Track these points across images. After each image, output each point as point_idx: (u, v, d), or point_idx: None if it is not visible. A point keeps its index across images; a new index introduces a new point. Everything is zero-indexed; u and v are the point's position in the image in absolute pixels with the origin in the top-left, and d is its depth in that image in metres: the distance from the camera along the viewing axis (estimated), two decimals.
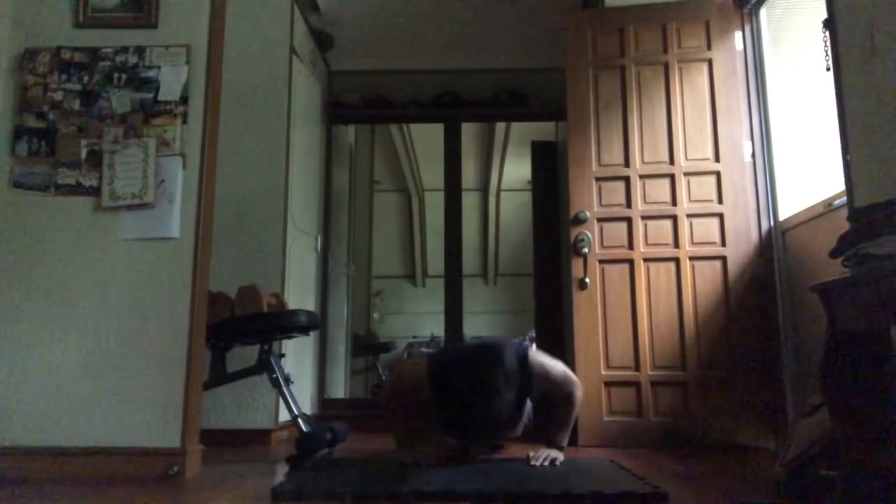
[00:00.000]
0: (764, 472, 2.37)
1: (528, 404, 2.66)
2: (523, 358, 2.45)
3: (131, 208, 2.40)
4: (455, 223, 4.58)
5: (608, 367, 3.17)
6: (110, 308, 2.35)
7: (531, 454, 2.48)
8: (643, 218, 3.26)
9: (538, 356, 2.55)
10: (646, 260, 3.22)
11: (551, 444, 2.55)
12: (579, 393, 2.58)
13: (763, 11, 3.31)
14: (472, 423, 2.27)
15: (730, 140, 3.26)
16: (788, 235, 3.05)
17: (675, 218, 3.24)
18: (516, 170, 6.94)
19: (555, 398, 2.58)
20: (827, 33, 2.37)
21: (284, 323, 2.75)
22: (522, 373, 2.40)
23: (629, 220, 3.27)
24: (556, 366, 2.58)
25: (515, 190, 7.51)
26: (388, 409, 2.69)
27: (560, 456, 2.47)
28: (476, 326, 6.85)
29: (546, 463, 2.41)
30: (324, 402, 4.27)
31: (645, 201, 3.28)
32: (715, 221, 3.21)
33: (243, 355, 2.85)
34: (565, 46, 3.49)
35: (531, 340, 3.40)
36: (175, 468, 2.20)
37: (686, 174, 3.27)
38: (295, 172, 3.63)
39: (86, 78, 2.49)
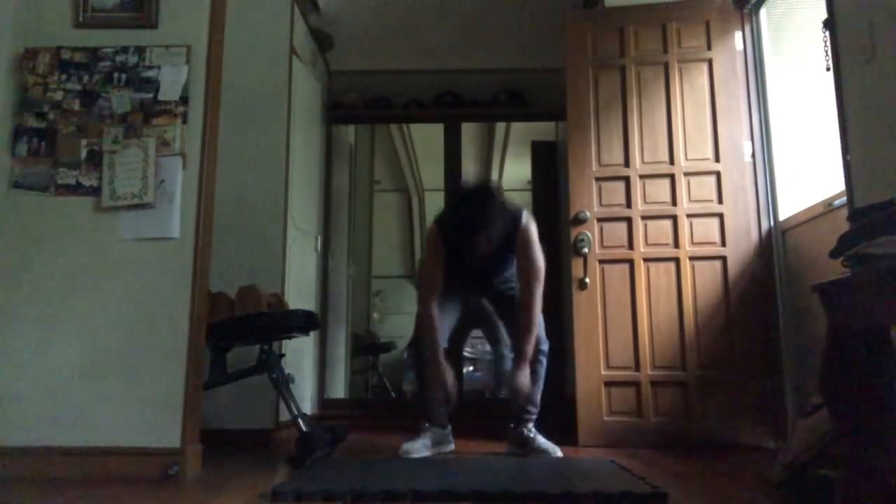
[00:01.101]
0: (764, 472, 2.37)
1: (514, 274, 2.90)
2: (517, 213, 2.73)
3: (131, 208, 2.40)
4: None
5: (608, 367, 3.17)
6: (110, 308, 2.35)
7: (506, 389, 2.78)
8: (643, 218, 3.26)
9: (531, 223, 2.77)
10: (646, 260, 3.23)
11: (516, 354, 2.74)
12: (539, 292, 2.74)
13: (763, 11, 3.31)
14: (471, 253, 2.61)
15: (730, 140, 3.26)
16: (788, 235, 3.05)
17: (675, 218, 3.24)
18: (516, 170, 6.93)
19: (520, 282, 2.80)
20: (827, 33, 2.37)
21: (284, 323, 2.75)
22: (513, 224, 2.70)
23: (629, 220, 3.27)
24: (537, 245, 2.76)
25: (515, 190, 7.50)
26: (423, 317, 2.81)
27: (524, 380, 2.68)
28: None
29: (525, 387, 2.67)
30: (324, 402, 4.27)
31: (645, 201, 3.28)
32: (715, 221, 3.21)
33: (243, 355, 2.85)
34: (565, 46, 3.49)
35: None
36: (175, 468, 2.20)
37: (686, 174, 3.27)
38: (295, 172, 3.63)
39: (86, 78, 2.49)
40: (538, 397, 2.85)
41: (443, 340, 2.85)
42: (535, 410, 2.84)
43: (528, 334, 2.74)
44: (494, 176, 7.48)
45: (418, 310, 2.86)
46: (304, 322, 2.77)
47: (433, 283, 2.79)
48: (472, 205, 2.58)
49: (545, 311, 2.85)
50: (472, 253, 2.66)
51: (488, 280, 2.94)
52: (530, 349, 2.74)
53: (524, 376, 2.71)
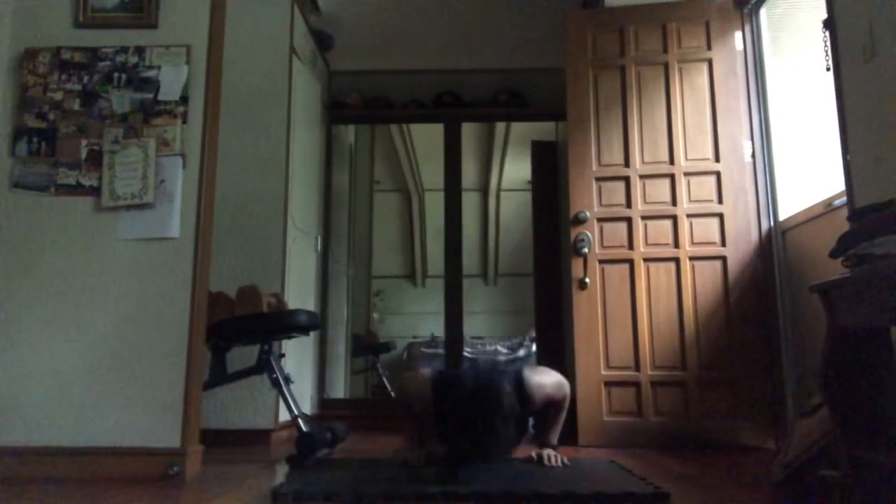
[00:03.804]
0: (764, 472, 2.37)
1: (530, 420, 2.69)
2: (520, 384, 2.46)
3: (131, 208, 2.40)
4: (455, 223, 4.58)
5: (608, 367, 3.17)
6: (110, 308, 2.35)
7: (535, 454, 2.50)
8: (643, 218, 3.26)
9: (533, 377, 2.52)
10: (646, 260, 3.23)
11: (544, 444, 2.57)
12: (568, 392, 2.61)
13: (763, 11, 3.31)
14: (472, 455, 2.25)
15: (730, 140, 3.26)
16: (788, 235, 3.05)
17: (675, 218, 3.24)
18: (516, 170, 6.93)
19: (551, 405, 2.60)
20: (827, 33, 2.37)
21: (284, 323, 2.75)
22: (521, 397, 2.42)
23: (629, 220, 3.27)
24: (549, 380, 2.56)
25: (515, 190, 7.50)
26: (405, 411, 2.66)
27: (552, 456, 2.47)
28: (476, 326, 6.85)
29: (558, 462, 2.42)
30: (324, 402, 4.27)
31: (645, 201, 3.28)
32: (715, 221, 3.21)
33: (243, 355, 2.85)
34: (565, 46, 3.49)
35: (531, 340, 3.40)
36: (175, 468, 2.20)
37: (686, 174, 3.27)
38: (295, 172, 3.63)
39: (86, 78, 2.49)
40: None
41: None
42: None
43: (557, 427, 2.61)
44: (494, 176, 7.48)
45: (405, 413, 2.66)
46: (304, 322, 2.77)
47: (417, 406, 2.57)
48: (479, 414, 2.21)
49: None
50: (482, 445, 2.27)
51: (493, 457, 2.53)
52: (556, 440, 2.62)
53: (557, 459, 2.48)
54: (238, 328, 2.69)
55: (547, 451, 2.49)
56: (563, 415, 2.61)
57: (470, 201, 7.35)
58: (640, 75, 3.38)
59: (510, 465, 2.41)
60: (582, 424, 3.12)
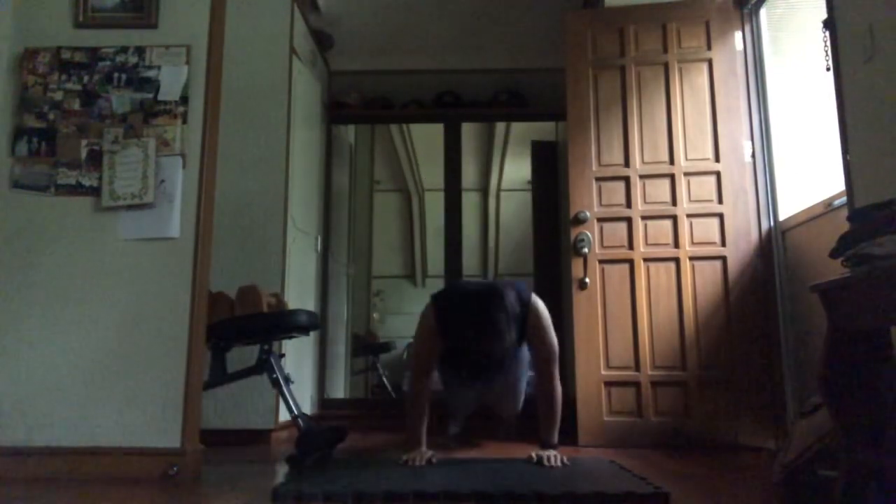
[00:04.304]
0: (764, 472, 2.37)
1: (528, 373, 2.73)
2: (525, 301, 2.51)
3: (131, 208, 2.39)
4: (455, 223, 4.58)
5: (608, 367, 3.17)
6: (110, 308, 2.35)
7: (535, 455, 2.49)
8: (643, 218, 3.26)
9: (539, 305, 2.58)
10: (646, 260, 3.23)
11: (544, 445, 2.56)
12: (557, 374, 2.61)
13: (763, 11, 3.31)
14: (475, 362, 2.38)
15: (730, 140, 3.26)
16: (788, 235, 3.05)
17: (675, 218, 3.24)
18: (516, 170, 6.93)
19: (536, 362, 2.63)
20: (827, 33, 2.37)
21: (284, 323, 2.75)
22: (522, 313, 2.47)
23: (629, 220, 3.27)
24: (548, 323, 2.59)
25: (515, 190, 7.50)
26: (409, 399, 2.66)
27: (557, 458, 2.45)
28: None
29: (557, 463, 2.41)
30: (324, 402, 4.27)
31: (645, 201, 3.28)
32: (715, 221, 3.21)
33: (243, 355, 2.85)
34: (565, 46, 3.49)
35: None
36: (175, 468, 2.20)
37: (686, 174, 3.27)
38: (295, 172, 3.63)
39: (86, 78, 2.49)
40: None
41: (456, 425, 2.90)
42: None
43: (554, 424, 2.58)
44: (494, 176, 7.48)
45: (410, 381, 2.68)
46: (304, 322, 2.77)
47: (426, 366, 2.61)
48: (480, 319, 2.32)
49: None
50: (481, 358, 2.47)
51: (493, 375, 2.73)
52: (556, 437, 2.59)
53: (556, 459, 2.46)
54: (238, 328, 2.69)
55: (547, 453, 2.48)
56: (556, 411, 2.58)
57: (470, 201, 7.34)
58: (640, 75, 3.38)
59: (510, 465, 2.42)
60: (582, 424, 3.12)
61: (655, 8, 3.41)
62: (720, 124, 3.27)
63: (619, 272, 3.24)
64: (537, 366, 2.64)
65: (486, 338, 2.30)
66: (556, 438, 2.59)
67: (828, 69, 2.37)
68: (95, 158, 2.43)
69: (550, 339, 2.59)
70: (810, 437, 1.87)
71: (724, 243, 3.19)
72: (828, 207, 2.61)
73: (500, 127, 6.02)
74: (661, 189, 3.28)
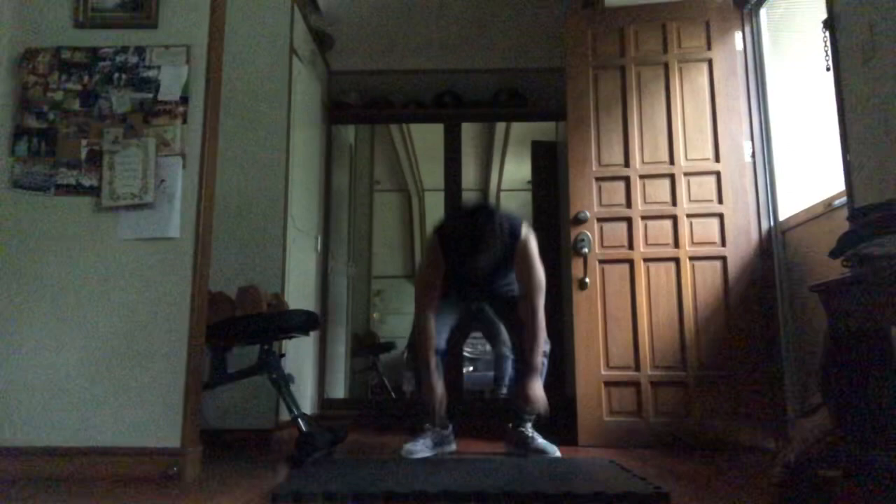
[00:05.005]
0: (764, 472, 2.37)
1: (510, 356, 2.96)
2: (517, 227, 2.78)
3: (131, 208, 2.39)
4: None
5: (608, 367, 3.17)
6: (110, 308, 2.35)
7: (522, 393, 2.73)
8: (643, 218, 3.26)
9: (530, 236, 2.82)
10: (646, 260, 3.23)
11: (528, 366, 2.76)
12: (541, 303, 2.80)
13: (763, 11, 3.31)
14: (472, 266, 2.67)
15: (730, 140, 3.26)
16: (788, 235, 3.05)
17: (675, 218, 3.24)
18: (516, 170, 6.93)
19: (521, 294, 2.85)
20: (827, 33, 2.37)
21: (284, 323, 2.75)
22: (511, 237, 2.74)
23: (629, 220, 3.27)
24: (537, 257, 2.82)
25: (515, 190, 7.51)
26: (420, 336, 2.84)
27: (537, 390, 2.72)
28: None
29: (541, 397, 2.71)
30: (324, 402, 4.27)
31: (645, 201, 3.28)
32: (715, 221, 3.21)
33: (243, 355, 2.85)
34: (565, 46, 3.49)
35: None
36: (175, 468, 2.20)
37: (686, 174, 3.27)
38: (295, 172, 3.63)
39: (86, 78, 2.48)
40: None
41: (441, 342, 2.87)
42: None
43: (535, 347, 2.77)
44: (494, 176, 7.48)
45: (415, 316, 2.88)
46: (304, 322, 2.77)
47: (431, 293, 2.82)
48: (472, 225, 2.62)
49: (546, 322, 2.85)
50: (474, 266, 2.71)
51: (489, 286, 2.96)
52: (539, 360, 2.77)
53: (538, 387, 2.75)
54: (238, 328, 2.69)
55: (531, 388, 2.71)
56: (538, 332, 2.77)
57: None
58: (640, 75, 3.38)
59: (510, 465, 2.42)
60: (582, 424, 3.12)
61: (655, 8, 3.41)
62: (720, 124, 3.27)
63: (619, 272, 3.24)
64: (522, 293, 2.84)
65: (478, 242, 2.59)
66: (538, 361, 2.77)
67: (828, 69, 2.38)
68: (95, 158, 2.43)
69: (536, 273, 2.80)
70: (810, 437, 1.87)
71: (724, 243, 3.19)
72: (828, 207, 2.61)
73: (500, 127, 6.02)
74: (661, 189, 3.28)
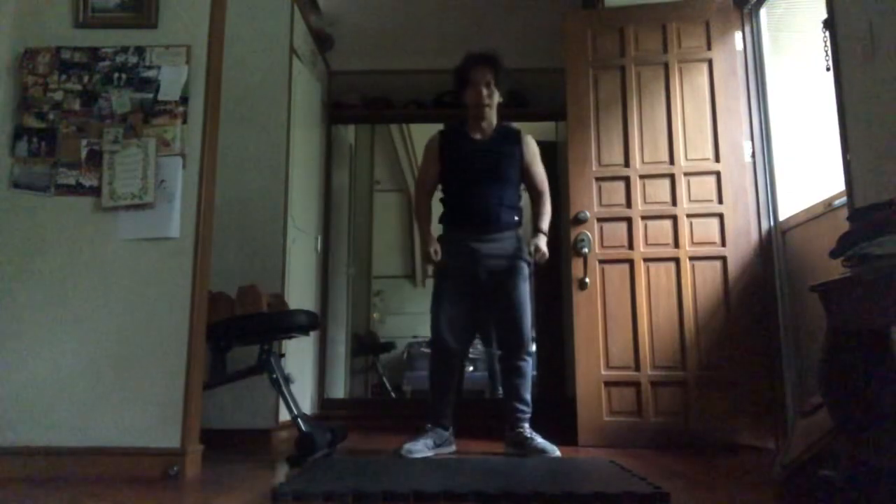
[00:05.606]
0: (764, 472, 2.37)
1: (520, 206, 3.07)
2: (517, 131, 3.06)
3: (131, 208, 2.39)
4: None
5: (608, 367, 3.17)
6: (110, 308, 2.35)
7: (531, 246, 2.90)
8: (643, 218, 3.26)
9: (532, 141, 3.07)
10: (646, 260, 3.23)
11: (536, 230, 2.99)
12: (549, 198, 3.08)
13: (763, 11, 3.31)
14: (475, 149, 2.95)
15: (730, 140, 3.26)
16: (788, 235, 3.05)
17: (675, 218, 3.24)
18: None
19: (532, 193, 3.09)
20: (827, 33, 2.37)
21: (284, 323, 2.75)
22: (515, 131, 3.06)
23: (629, 220, 3.27)
24: (538, 156, 3.07)
25: None
26: (417, 214, 3.09)
27: (543, 245, 2.92)
28: None
29: (544, 248, 2.92)
30: (324, 402, 4.27)
31: (645, 201, 3.28)
32: (715, 221, 3.21)
33: (243, 355, 2.85)
34: (565, 46, 3.49)
35: (531, 340, 3.49)
36: (175, 468, 2.20)
37: (686, 174, 3.27)
38: (295, 172, 3.63)
39: (86, 78, 2.49)
40: (528, 396, 2.89)
41: (453, 340, 2.91)
42: (528, 410, 2.87)
43: (544, 214, 3.03)
44: None
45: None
46: (304, 322, 2.77)
47: (425, 180, 3.09)
48: (480, 51, 3.01)
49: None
50: (476, 149, 2.94)
51: (491, 193, 2.94)
52: (547, 225, 3.01)
53: (544, 242, 2.94)
54: (238, 328, 2.69)
55: (535, 242, 2.91)
56: (547, 205, 3.05)
57: None
58: (640, 75, 3.38)
59: (510, 465, 2.42)
60: (582, 424, 3.12)
61: (655, 8, 3.41)
62: (720, 124, 3.27)
63: (619, 272, 3.24)
64: (533, 191, 3.07)
65: (485, 54, 3.00)
66: (546, 226, 3.00)
67: (828, 69, 2.37)
68: (95, 158, 2.43)
69: (542, 170, 3.07)
70: (810, 437, 1.87)
71: (724, 243, 3.19)
72: (828, 207, 2.61)
73: None
74: (661, 189, 3.28)
